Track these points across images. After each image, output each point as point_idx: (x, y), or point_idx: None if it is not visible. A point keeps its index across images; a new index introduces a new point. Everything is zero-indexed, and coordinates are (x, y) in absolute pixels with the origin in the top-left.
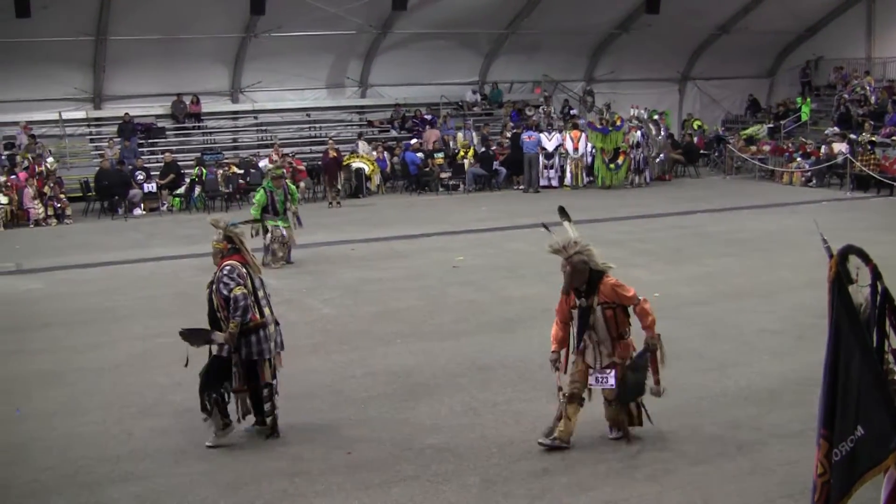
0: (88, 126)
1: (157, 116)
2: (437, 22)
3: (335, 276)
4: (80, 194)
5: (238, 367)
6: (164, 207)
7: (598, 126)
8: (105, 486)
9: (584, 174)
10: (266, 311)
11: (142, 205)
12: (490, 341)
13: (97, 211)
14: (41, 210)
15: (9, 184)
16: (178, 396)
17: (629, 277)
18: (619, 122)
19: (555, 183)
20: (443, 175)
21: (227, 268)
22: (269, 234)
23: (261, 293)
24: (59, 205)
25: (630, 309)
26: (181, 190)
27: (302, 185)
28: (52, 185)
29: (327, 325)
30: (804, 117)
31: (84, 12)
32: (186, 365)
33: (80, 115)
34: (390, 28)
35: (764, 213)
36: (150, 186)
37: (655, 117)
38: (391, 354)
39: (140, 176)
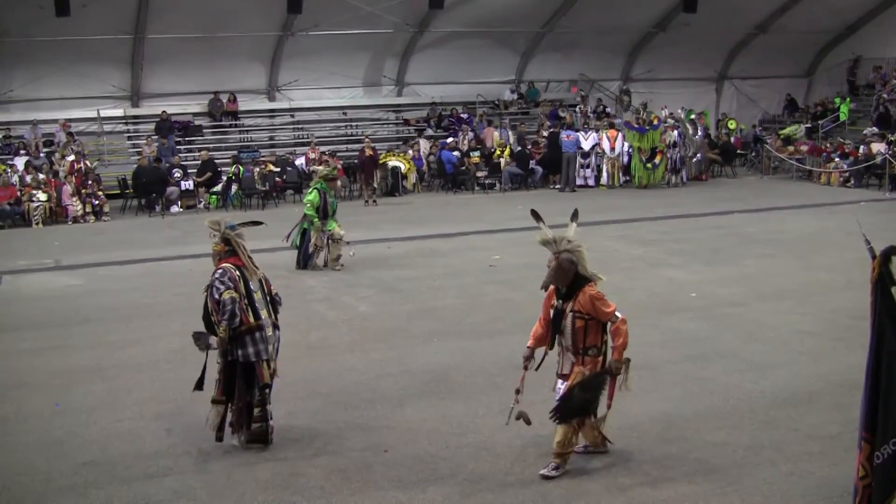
0: (126, 124)
1: (195, 114)
2: (474, 20)
3: (372, 275)
4: (118, 191)
5: (221, 374)
6: (202, 205)
7: (636, 125)
8: (143, 481)
9: (620, 174)
10: (263, 313)
11: (179, 202)
12: (527, 340)
13: (134, 208)
14: (79, 207)
15: (48, 181)
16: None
17: (665, 277)
18: (655, 122)
19: (591, 182)
20: (479, 174)
21: (220, 271)
22: (311, 243)
23: (258, 295)
24: (97, 202)
25: (608, 326)
26: (218, 188)
27: (338, 183)
28: (90, 182)
29: (364, 322)
30: (843, 117)
31: (122, 11)
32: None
33: (118, 112)
34: (427, 27)
35: (801, 213)
36: (188, 184)
37: (693, 117)
38: (428, 353)
39: (177, 174)
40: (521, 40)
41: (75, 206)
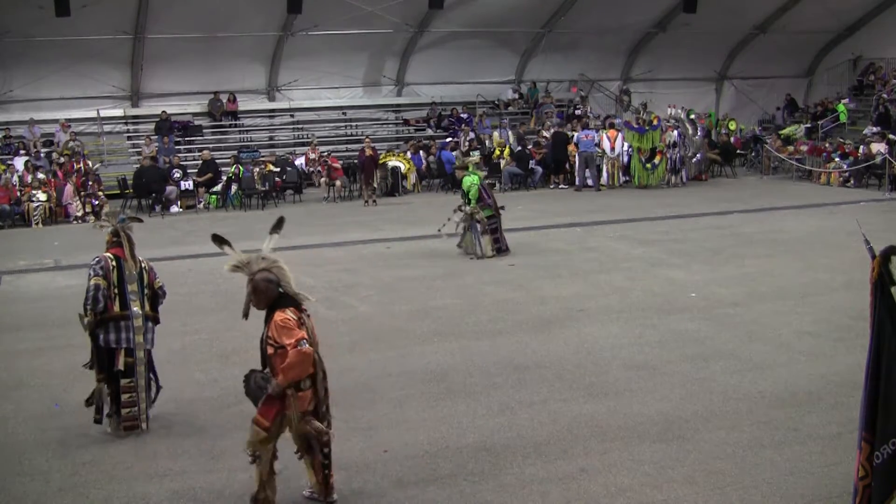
0: (126, 124)
1: (195, 114)
2: (474, 21)
3: (371, 275)
4: (118, 191)
5: (93, 355)
6: (201, 205)
7: (635, 125)
8: (143, 481)
9: (620, 174)
10: (135, 306)
11: (178, 202)
12: (526, 340)
13: (134, 208)
14: (80, 207)
15: (48, 181)
16: (214, 393)
17: (665, 277)
18: (655, 122)
19: (590, 182)
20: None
21: (96, 259)
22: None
23: (132, 287)
24: (97, 202)
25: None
26: (218, 188)
27: (338, 183)
28: (90, 182)
29: (364, 322)
30: (842, 118)
31: (123, 11)
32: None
33: (118, 112)
34: (427, 27)
35: (801, 213)
36: (187, 184)
37: (692, 117)
38: (427, 353)
39: (177, 174)
40: (521, 40)
41: (75, 207)
